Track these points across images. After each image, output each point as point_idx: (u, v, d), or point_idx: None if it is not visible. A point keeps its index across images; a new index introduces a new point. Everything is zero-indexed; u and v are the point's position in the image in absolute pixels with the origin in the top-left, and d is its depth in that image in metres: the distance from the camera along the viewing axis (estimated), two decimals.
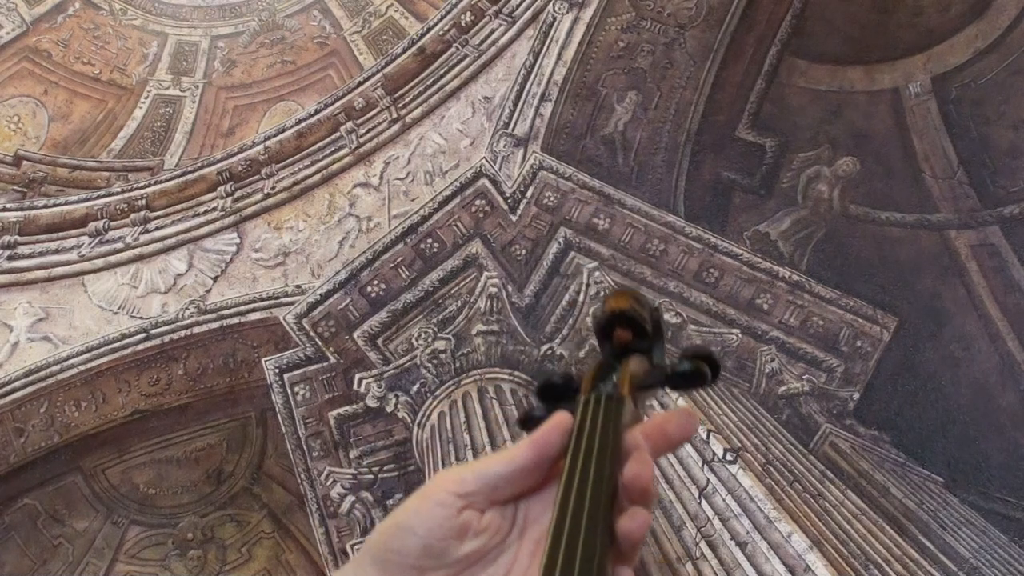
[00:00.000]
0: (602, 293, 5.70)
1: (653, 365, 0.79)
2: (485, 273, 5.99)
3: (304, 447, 6.31)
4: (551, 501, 0.70)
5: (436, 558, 0.72)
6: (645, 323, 0.79)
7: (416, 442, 5.68)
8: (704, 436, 4.40)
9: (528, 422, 0.79)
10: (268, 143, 7.15)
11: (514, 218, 6.09)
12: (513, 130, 6.27)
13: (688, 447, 4.38)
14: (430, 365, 5.74)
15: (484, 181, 6.15)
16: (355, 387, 6.03)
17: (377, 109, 7.00)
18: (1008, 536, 5.01)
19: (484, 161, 6.22)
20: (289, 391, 6.28)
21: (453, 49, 6.86)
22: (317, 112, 7.15)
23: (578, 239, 5.98)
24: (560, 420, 0.74)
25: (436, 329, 5.91)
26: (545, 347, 5.76)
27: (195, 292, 6.70)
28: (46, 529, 7.06)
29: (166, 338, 6.55)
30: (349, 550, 5.93)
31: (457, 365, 5.71)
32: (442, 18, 6.94)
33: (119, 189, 7.48)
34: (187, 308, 6.59)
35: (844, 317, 5.90)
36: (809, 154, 6.46)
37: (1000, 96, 6.26)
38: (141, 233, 7.06)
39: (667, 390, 0.79)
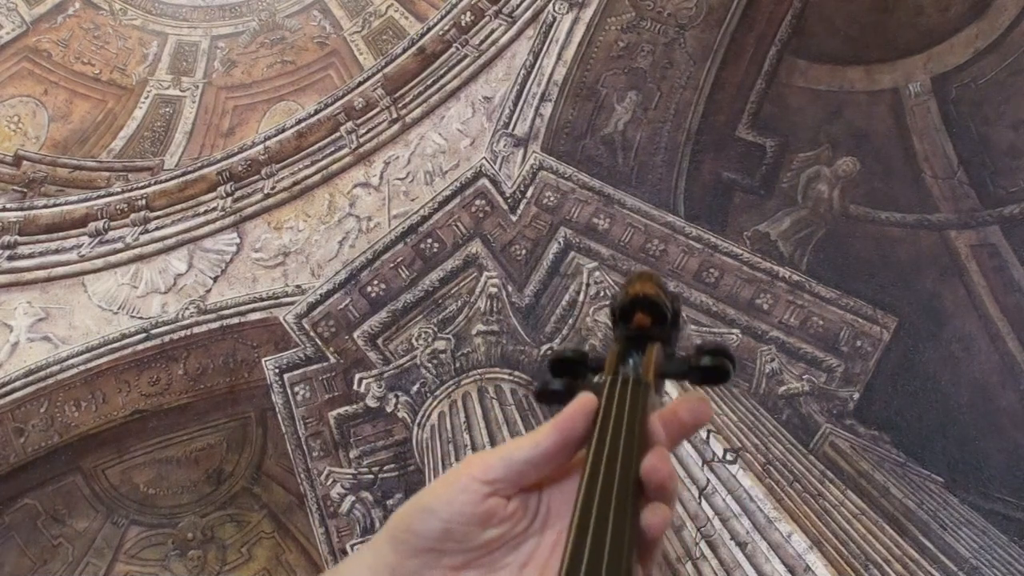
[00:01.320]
0: (603, 293, 5.70)
1: (674, 355, 0.78)
2: (485, 273, 5.99)
3: (304, 447, 6.31)
4: (575, 490, 0.68)
5: (457, 542, 0.71)
6: (667, 310, 0.78)
7: (416, 442, 5.68)
8: (704, 436, 4.40)
9: (544, 395, 0.77)
10: (268, 143, 7.15)
11: (514, 218, 6.09)
12: (513, 130, 6.27)
13: (688, 447, 4.38)
14: (430, 365, 5.74)
15: (484, 181, 6.15)
16: (355, 387, 6.03)
17: (377, 109, 7.00)
18: (1008, 536, 5.01)
19: (484, 161, 6.22)
20: (289, 391, 6.28)
21: (453, 49, 6.86)
22: (317, 112, 7.15)
23: (578, 239, 5.98)
24: (585, 402, 0.72)
25: (436, 329, 5.91)
26: (545, 347, 5.76)
27: (195, 292, 6.70)
28: (46, 529, 7.06)
29: (166, 338, 6.55)
30: (349, 550, 5.93)
31: (457, 365, 5.71)
32: (442, 18, 6.94)
33: (119, 189, 7.48)
34: (187, 308, 6.59)
35: (844, 317, 5.90)
36: (809, 154, 6.46)
37: (1000, 96, 6.25)
38: (141, 233, 7.06)
39: (684, 384, 0.78)
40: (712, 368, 0.74)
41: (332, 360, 6.23)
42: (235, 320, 6.51)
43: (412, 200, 6.47)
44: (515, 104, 6.33)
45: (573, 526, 0.63)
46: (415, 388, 5.79)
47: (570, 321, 5.80)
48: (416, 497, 0.73)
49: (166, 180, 7.37)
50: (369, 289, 6.18)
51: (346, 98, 7.07)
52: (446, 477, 0.73)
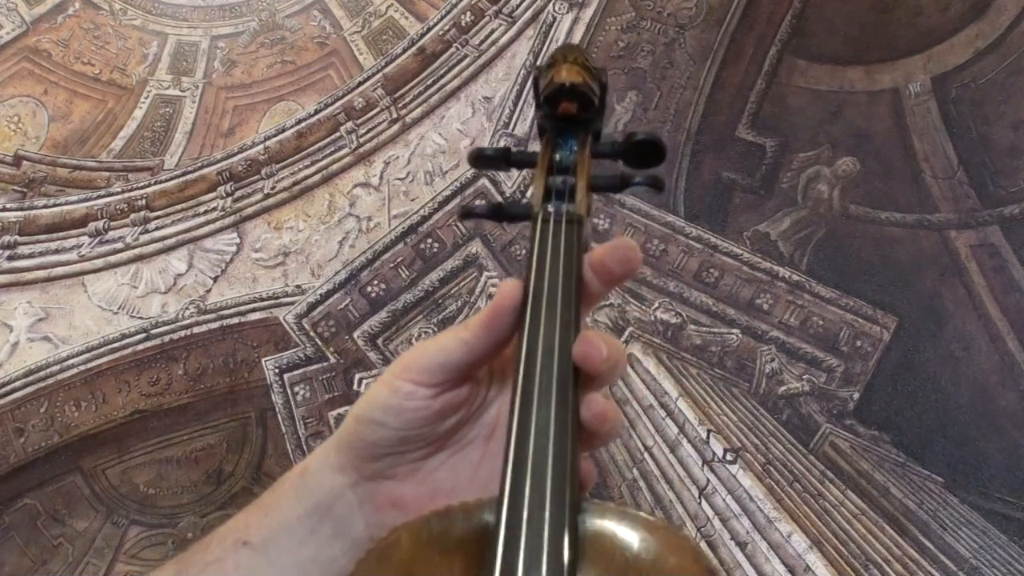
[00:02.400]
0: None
1: (601, 137, 0.76)
2: (485, 273, 5.99)
3: (304, 447, 6.30)
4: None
5: (417, 441, 0.70)
6: (595, 99, 0.75)
7: None
8: (704, 436, 4.40)
9: (469, 215, 0.78)
10: (268, 143, 7.15)
11: None
12: (513, 130, 6.27)
13: (688, 447, 4.37)
14: None
15: (484, 181, 6.16)
16: (355, 387, 6.03)
17: (377, 109, 7.00)
18: (1008, 536, 5.00)
19: None
20: (289, 391, 6.28)
21: (453, 49, 6.86)
22: (317, 112, 7.15)
23: None
24: (510, 295, 0.68)
25: (436, 329, 5.91)
26: None
27: (195, 292, 6.70)
28: (46, 529, 7.06)
29: (166, 338, 6.55)
30: None
31: None
32: (442, 18, 6.94)
33: (119, 189, 7.48)
34: (187, 308, 6.59)
35: (844, 317, 5.89)
36: (809, 154, 6.46)
37: (1000, 96, 6.25)
38: (141, 233, 7.06)
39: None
40: (643, 183, 0.74)
41: (332, 360, 6.23)
42: (235, 320, 6.51)
43: (412, 200, 6.47)
44: (515, 104, 6.33)
45: (517, 396, 0.60)
46: None
47: None
48: (361, 408, 0.70)
49: (166, 180, 7.37)
50: (369, 289, 6.18)
51: (346, 98, 7.07)
52: (388, 384, 0.69)
